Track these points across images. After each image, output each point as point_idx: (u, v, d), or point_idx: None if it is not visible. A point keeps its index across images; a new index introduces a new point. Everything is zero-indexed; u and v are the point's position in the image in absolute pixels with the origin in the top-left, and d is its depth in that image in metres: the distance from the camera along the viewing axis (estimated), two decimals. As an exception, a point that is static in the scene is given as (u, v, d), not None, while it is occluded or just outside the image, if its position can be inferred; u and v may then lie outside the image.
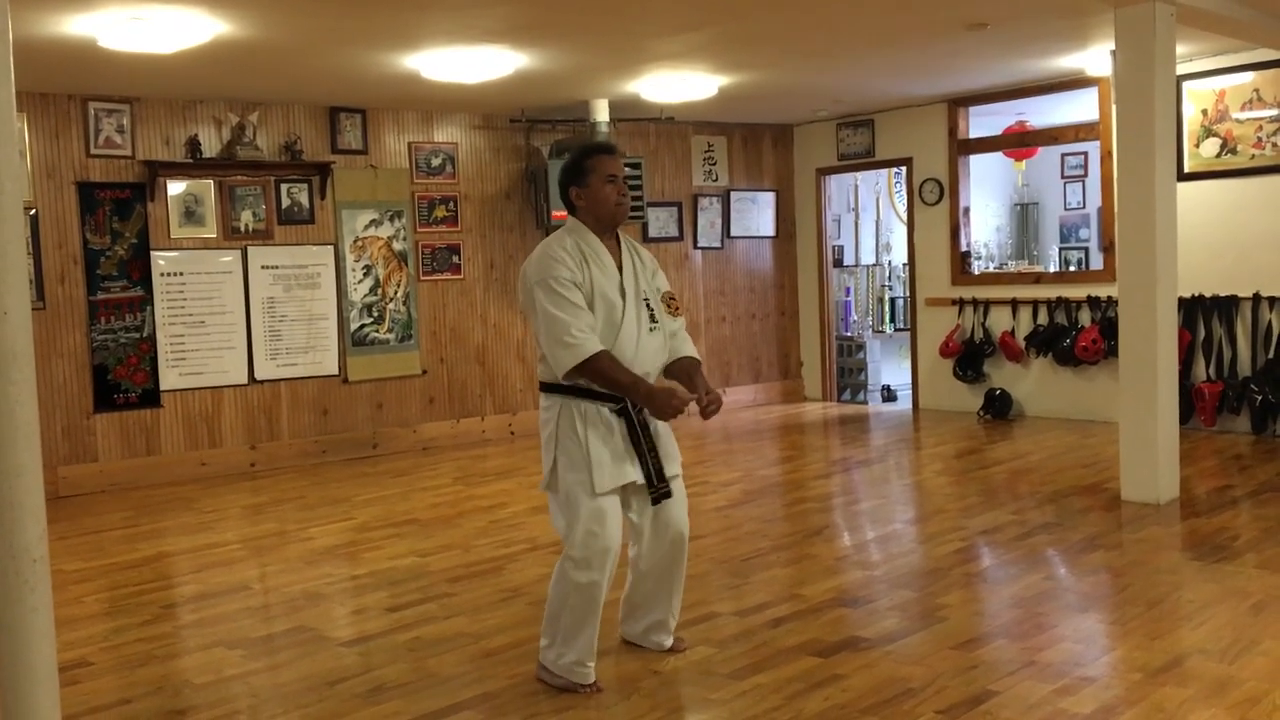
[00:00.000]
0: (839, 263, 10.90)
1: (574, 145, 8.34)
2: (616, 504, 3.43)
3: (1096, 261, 10.49)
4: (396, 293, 8.32)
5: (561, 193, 3.52)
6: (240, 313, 7.68)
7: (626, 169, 3.97)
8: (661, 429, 3.55)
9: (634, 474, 3.43)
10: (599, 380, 3.35)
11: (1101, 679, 3.42)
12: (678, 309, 3.60)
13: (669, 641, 3.75)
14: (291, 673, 3.76)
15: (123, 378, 7.26)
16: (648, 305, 3.50)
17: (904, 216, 10.35)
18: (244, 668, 3.83)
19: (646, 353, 3.46)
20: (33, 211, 6.87)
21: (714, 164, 9.86)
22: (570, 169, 3.49)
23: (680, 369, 3.61)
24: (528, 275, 3.42)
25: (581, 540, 3.37)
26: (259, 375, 7.77)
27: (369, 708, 3.41)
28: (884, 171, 10.93)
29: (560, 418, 3.41)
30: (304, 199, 7.90)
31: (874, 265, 11.23)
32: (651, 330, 3.48)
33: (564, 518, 3.43)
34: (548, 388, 3.46)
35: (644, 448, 3.43)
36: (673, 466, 3.56)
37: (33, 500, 2.17)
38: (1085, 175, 11.47)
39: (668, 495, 3.50)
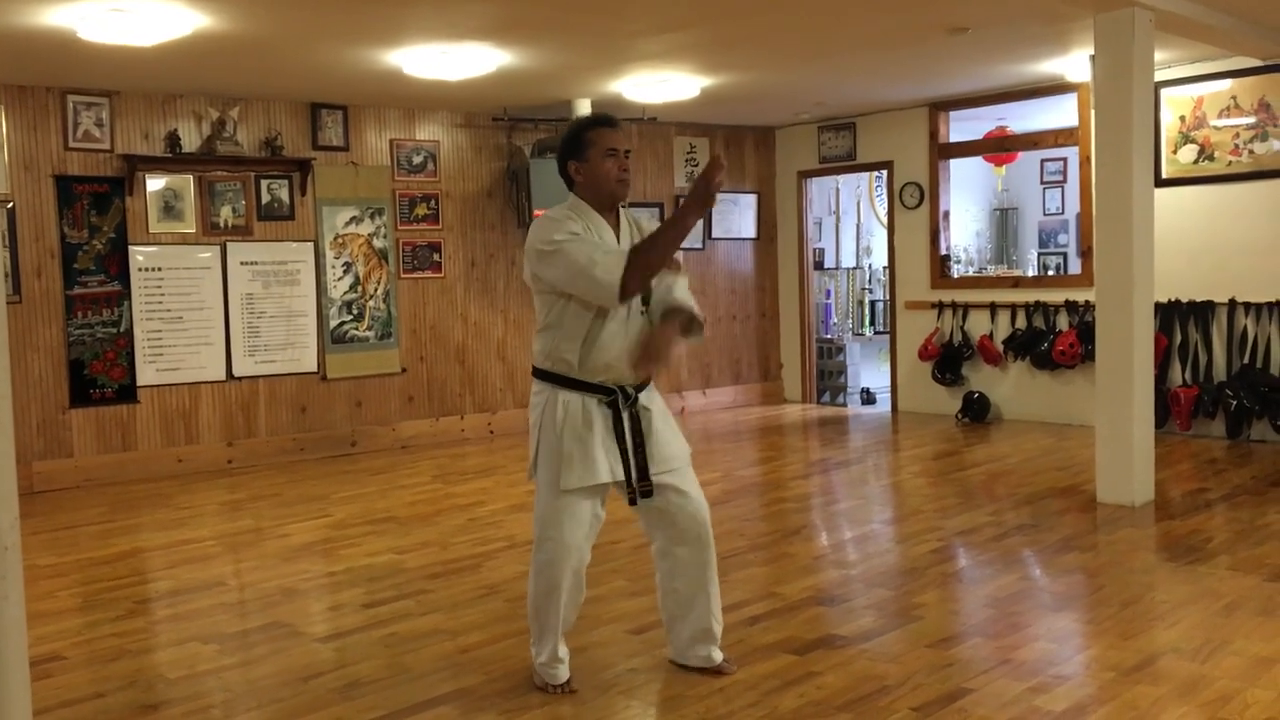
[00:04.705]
0: (819, 265, 10.95)
1: (557, 142, 8.33)
2: (584, 507, 3.25)
3: (1075, 266, 10.59)
4: (376, 290, 8.29)
5: (560, 168, 3.30)
6: (219, 309, 7.64)
7: None
8: (659, 424, 3.32)
9: (607, 473, 3.22)
10: (658, 262, 3.11)
11: (1075, 677, 3.44)
12: (678, 266, 3.34)
13: (718, 655, 3.47)
14: (266, 668, 3.74)
15: (99, 373, 7.21)
16: None
17: (884, 220, 10.39)
18: (218, 663, 3.81)
19: (636, 328, 3.25)
20: (10, 204, 6.81)
21: (696, 165, 9.87)
22: (569, 142, 3.28)
23: (667, 313, 3.28)
24: (530, 244, 3.21)
25: (539, 542, 3.28)
26: (237, 372, 7.73)
27: (344, 703, 3.40)
28: (865, 175, 10.98)
29: (546, 407, 3.26)
30: (284, 195, 7.87)
31: (854, 268, 11.28)
32: (644, 313, 3.29)
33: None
34: (539, 374, 3.31)
35: (627, 444, 3.23)
36: (667, 463, 3.30)
37: (4, 487, 2.15)
38: (1064, 181, 11.57)
39: (648, 495, 3.26)
